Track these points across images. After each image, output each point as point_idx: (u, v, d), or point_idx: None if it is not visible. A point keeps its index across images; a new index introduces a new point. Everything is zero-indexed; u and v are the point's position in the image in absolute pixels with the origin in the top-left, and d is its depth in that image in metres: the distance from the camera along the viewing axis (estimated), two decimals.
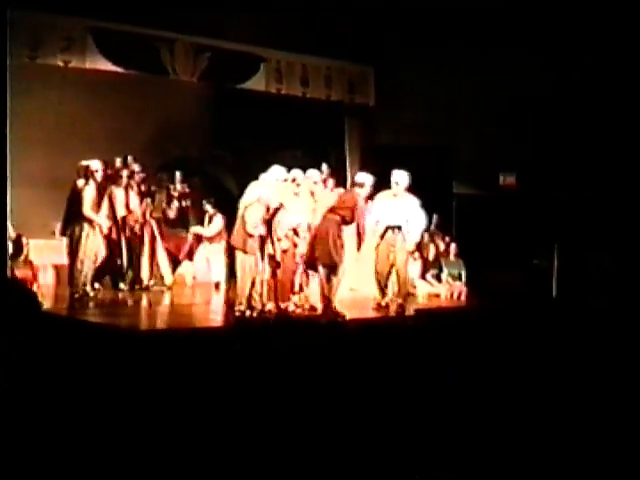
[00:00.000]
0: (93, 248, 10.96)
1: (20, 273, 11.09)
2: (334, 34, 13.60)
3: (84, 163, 11.16)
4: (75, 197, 11.01)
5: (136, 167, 12.39)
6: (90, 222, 10.91)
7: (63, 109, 13.87)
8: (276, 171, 10.27)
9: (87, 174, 11.02)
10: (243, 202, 9.87)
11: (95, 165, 11.06)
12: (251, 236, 9.58)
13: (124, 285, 12.07)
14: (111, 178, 11.80)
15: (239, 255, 9.66)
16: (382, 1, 13.07)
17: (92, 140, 13.41)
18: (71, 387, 4.49)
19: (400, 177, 10.78)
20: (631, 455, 4.91)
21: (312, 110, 14.38)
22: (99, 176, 11.05)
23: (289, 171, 10.56)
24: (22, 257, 11.43)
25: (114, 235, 11.61)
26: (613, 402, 5.76)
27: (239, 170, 15.37)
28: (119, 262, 12.01)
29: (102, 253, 11.13)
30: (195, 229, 13.05)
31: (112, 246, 11.58)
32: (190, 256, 12.99)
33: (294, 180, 10.54)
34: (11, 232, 11.46)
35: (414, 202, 10.79)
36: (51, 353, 4.40)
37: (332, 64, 14.32)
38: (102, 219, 11.13)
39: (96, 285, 11.54)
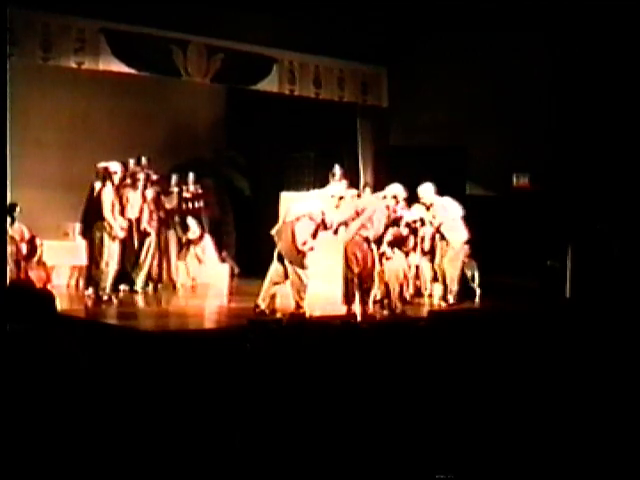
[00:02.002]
0: (117, 250, 10.98)
1: (34, 274, 11.13)
2: (347, 35, 13.59)
3: (102, 165, 11.17)
4: (93, 199, 11.01)
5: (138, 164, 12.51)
6: (110, 224, 10.90)
7: (76, 111, 13.94)
8: (333, 188, 10.39)
9: (105, 176, 11.03)
10: (294, 212, 9.94)
11: (114, 167, 11.07)
12: (300, 252, 9.66)
13: (139, 286, 12.15)
14: (125, 179, 11.82)
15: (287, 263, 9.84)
16: (395, 2, 13.07)
17: (105, 142, 13.47)
18: (88, 389, 4.48)
19: (422, 190, 11.43)
20: None
21: (325, 111, 14.37)
22: (117, 178, 11.06)
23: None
24: (36, 258, 11.48)
25: (128, 236, 11.64)
26: (626, 402, 5.73)
27: (251, 171, 15.42)
28: (134, 263, 12.10)
29: (116, 256, 11.11)
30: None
31: (127, 247, 11.62)
32: None
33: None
34: (25, 233, 11.50)
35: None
36: (69, 355, 4.39)
37: (345, 65, 14.29)
38: (117, 225, 11.05)
39: (121, 287, 11.64)
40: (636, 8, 11.38)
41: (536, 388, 6.00)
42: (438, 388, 5.90)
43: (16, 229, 11.39)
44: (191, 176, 13.62)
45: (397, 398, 5.68)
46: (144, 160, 12.81)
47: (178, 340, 7.95)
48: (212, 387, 5.61)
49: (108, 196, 10.89)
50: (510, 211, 13.18)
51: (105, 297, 10.83)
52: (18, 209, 11.46)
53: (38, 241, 11.61)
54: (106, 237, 10.83)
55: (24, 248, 11.41)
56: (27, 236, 11.51)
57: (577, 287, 12.23)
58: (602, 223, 12.33)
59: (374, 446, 4.95)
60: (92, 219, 10.99)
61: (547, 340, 7.43)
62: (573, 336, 7.64)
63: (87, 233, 11.11)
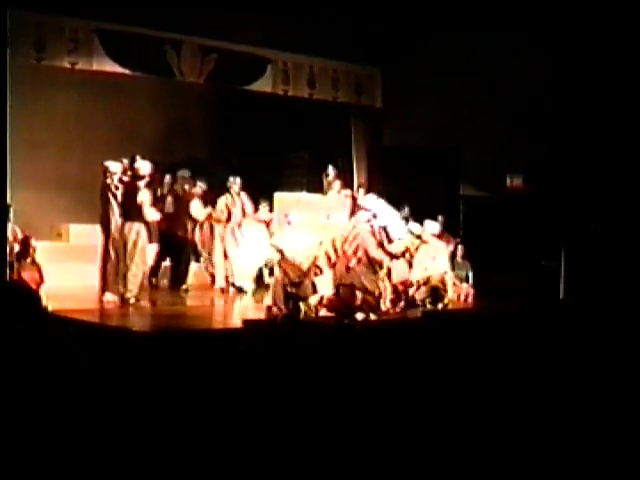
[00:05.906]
0: (147, 251, 10.95)
1: (27, 275, 11.08)
2: (341, 36, 13.59)
3: (105, 164, 11.15)
4: (110, 199, 10.95)
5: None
6: (146, 224, 10.81)
7: (70, 111, 13.90)
8: None
9: (134, 175, 11.01)
10: None
11: (145, 168, 11.02)
12: None
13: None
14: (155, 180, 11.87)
15: None
16: (390, 3, 13.07)
17: (99, 142, 13.43)
18: (77, 390, 4.47)
19: (427, 226, 11.56)
20: None
21: (319, 112, 14.37)
22: (146, 180, 11.03)
23: None
24: (29, 259, 11.41)
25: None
26: (618, 401, 5.74)
27: (245, 171, 15.40)
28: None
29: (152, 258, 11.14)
30: None
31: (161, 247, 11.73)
32: None
33: None
34: (19, 233, 11.46)
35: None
36: (55, 355, 4.38)
37: (339, 66, 14.29)
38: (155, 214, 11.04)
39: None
40: (634, 10, 11.39)
41: (530, 387, 6.01)
42: (432, 387, 5.90)
43: (9, 229, 11.34)
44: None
45: (392, 398, 5.69)
46: (139, 159, 12.77)
47: (173, 341, 7.94)
48: (207, 387, 5.61)
49: (146, 197, 10.77)
50: (504, 212, 13.20)
51: (133, 300, 10.72)
52: (12, 210, 11.41)
53: (33, 242, 11.55)
54: (142, 238, 10.71)
55: (17, 249, 11.35)
56: (20, 236, 11.45)
57: (571, 287, 12.25)
58: (596, 223, 12.36)
59: (369, 445, 4.94)
60: (107, 220, 10.93)
61: (541, 340, 7.44)
62: (567, 336, 7.65)
63: (108, 233, 11.00)
